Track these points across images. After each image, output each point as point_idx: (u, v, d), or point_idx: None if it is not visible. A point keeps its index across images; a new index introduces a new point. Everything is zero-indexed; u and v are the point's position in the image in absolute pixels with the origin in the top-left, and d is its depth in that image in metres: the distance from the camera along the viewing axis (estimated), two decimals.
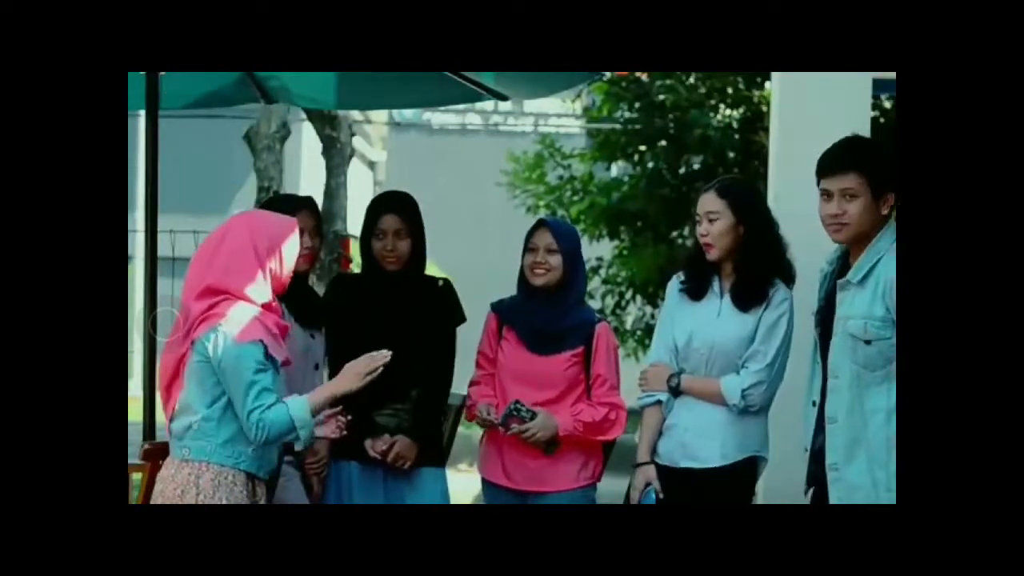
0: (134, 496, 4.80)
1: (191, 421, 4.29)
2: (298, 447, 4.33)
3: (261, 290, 4.34)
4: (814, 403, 4.38)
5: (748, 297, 4.79)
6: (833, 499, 4.24)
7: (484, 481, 5.19)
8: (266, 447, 4.32)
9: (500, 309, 5.18)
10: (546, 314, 5.08)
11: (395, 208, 5.17)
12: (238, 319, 4.26)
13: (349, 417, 4.48)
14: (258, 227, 4.40)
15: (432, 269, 5.41)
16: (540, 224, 5.18)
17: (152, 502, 4.37)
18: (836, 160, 4.28)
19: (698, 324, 4.84)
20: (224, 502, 4.25)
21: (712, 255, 4.81)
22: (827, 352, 4.31)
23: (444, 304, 5.24)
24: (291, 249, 4.41)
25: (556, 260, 5.09)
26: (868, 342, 4.19)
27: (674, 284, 4.96)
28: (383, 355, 4.35)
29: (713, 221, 4.79)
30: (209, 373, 4.26)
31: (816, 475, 4.37)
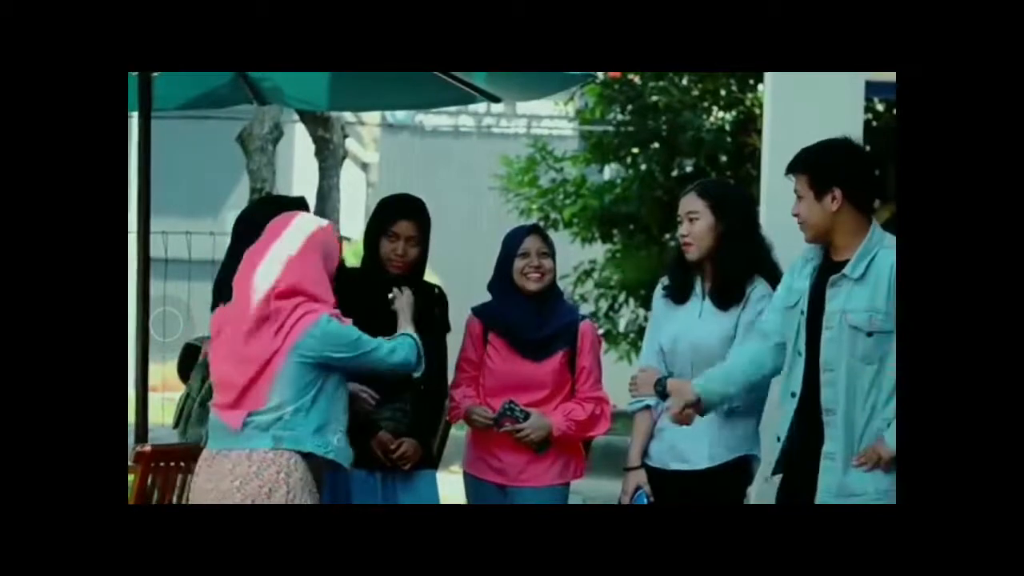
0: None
1: (282, 413, 4.38)
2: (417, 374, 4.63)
3: (329, 292, 4.50)
4: (793, 394, 4.39)
5: (726, 296, 4.80)
6: (821, 486, 4.25)
7: (466, 475, 5.21)
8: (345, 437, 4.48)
9: (484, 316, 5.17)
10: (538, 321, 5.09)
11: (413, 214, 5.13)
12: (328, 315, 4.43)
13: (378, 396, 4.74)
14: (321, 232, 4.54)
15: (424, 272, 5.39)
16: (533, 229, 5.20)
17: (221, 500, 4.34)
18: (788, 164, 4.45)
19: (681, 327, 4.85)
20: (308, 501, 4.37)
21: (692, 254, 4.82)
22: (815, 345, 4.33)
23: (440, 311, 5.24)
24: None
25: (549, 263, 5.11)
26: (870, 334, 4.24)
27: (659, 289, 4.98)
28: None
29: (693, 221, 4.80)
30: (308, 370, 4.38)
31: (786, 464, 4.42)
